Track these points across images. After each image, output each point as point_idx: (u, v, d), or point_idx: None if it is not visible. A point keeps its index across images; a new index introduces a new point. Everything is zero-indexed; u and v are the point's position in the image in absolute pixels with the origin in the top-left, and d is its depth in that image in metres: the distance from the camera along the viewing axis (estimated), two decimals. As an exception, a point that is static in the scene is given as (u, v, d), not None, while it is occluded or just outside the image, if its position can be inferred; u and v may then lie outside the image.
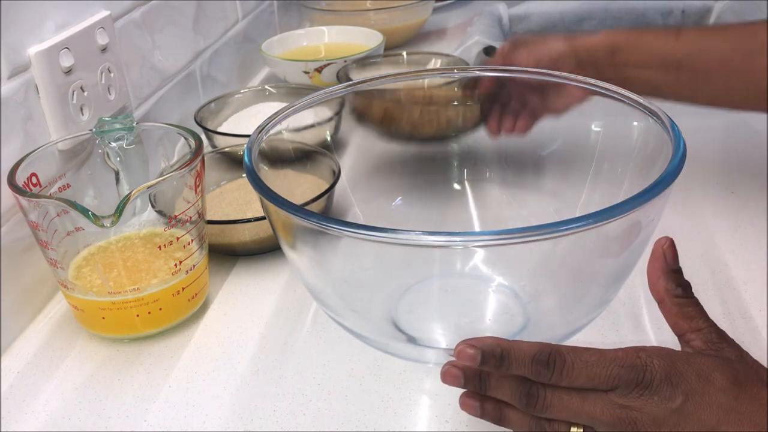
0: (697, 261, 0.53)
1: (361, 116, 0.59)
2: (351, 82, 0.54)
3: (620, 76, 0.55)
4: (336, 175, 0.55)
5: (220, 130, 0.71)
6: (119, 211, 0.43)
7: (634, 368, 0.33)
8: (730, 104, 0.56)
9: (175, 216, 0.47)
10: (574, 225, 0.35)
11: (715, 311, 0.48)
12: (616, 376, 0.33)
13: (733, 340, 0.35)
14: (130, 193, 0.43)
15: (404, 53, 0.84)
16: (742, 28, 0.54)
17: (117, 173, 0.51)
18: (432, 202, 0.57)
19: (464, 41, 0.95)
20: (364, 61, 0.83)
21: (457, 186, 0.58)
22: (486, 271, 0.49)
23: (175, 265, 0.48)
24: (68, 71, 0.53)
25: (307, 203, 0.52)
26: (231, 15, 0.88)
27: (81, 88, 0.54)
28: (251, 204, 0.59)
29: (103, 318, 0.47)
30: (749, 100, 0.54)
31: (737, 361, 0.34)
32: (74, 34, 0.53)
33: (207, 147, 0.70)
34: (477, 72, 0.58)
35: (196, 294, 0.50)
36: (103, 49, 0.57)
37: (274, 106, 0.72)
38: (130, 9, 0.64)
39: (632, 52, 0.55)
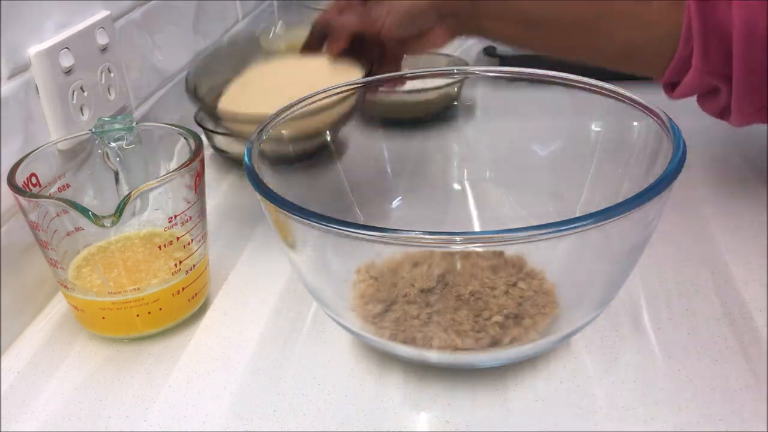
0: (697, 261, 0.53)
1: None
2: (351, 82, 0.54)
3: (478, 26, 0.58)
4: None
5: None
6: (119, 211, 0.43)
7: None
8: (579, 60, 0.56)
9: (175, 216, 0.47)
10: (574, 225, 0.35)
11: (715, 311, 0.48)
12: None
13: None
14: (130, 193, 0.43)
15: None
16: None
17: (117, 173, 0.51)
18: (432, 202, 0.57)
19: (464, 41, 0.95)
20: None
21: (457, 186, 0.58)
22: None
23: (175, 265, 0.48)
24: (68, 71, 0.53)
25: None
26: (231, 15, 0.88)
27: (81, 88, 0.54)
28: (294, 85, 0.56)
29: (103, 318, 0.47)
30: (600, 60, 0.56)
31: None
32: (74, 34, 0.53)
33: (207, 147, 0.70)
34: (477, 72, 0.58)
35: (196, 294, 0.50)
36: (103, 49, 0.57)
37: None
38: (130, 9, 0.64)
39: (491, 7, 0.57)
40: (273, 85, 0.59)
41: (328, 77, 0.57)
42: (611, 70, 0.56)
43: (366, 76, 0.57)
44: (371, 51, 0.59)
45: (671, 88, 0.53)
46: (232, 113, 0.56)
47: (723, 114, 0.53)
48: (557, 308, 0.43)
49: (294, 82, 0.58)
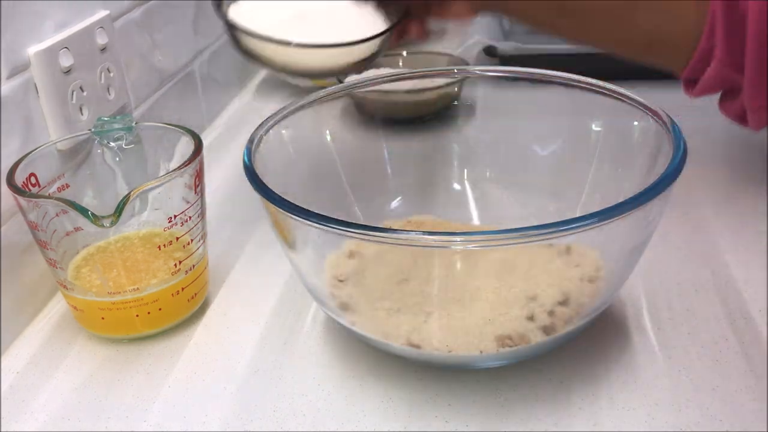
0: (697, 261, 0.53)
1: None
2: (351, 83, 0.54)
3: (506, 7, 0.58)
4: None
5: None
6: (119, 211, 0.42)
7: None
8: (610, 49, 0.57)
9: (175, 216, 0.47)
10: (574, 225, 0.35)
11: (715, 311, 0.48)
12: None
13: None
14: (129, 193, 0.43)
15: (404, 52, 0.83)
16: None
17: (116, 173, 0.51)
18: (432, 202, 0.57)
19: (464, 41, 0.95)
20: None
21: (457, 186, 0.58)
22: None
23: (175, 265, 0.48)
24: (67, 71, 0.53)
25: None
26: (231, 15, 0.88)
27: (80, 87, 0.54)
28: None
29: (103, 318, 0.47)
30: (626, 50, 0.56)
31: None
32: (73, 33, 0.53)
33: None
34: (477, 72, 0.58)
35: (195, 294, 0.50)
36: (103, 49, 0.57)
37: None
38: (130, 9, 0.64)
39: None
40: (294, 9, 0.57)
41: (347, 16, 0.56)
42: (611, 71, 0.56)
43: (392, 25, 0.56)
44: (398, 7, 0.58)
45: (691, 85, 0.54)
46: (244, 27, 0.52)
47: (742, 118, 0.53)
48: None
49: (317, 11, 0.56)
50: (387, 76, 0.56)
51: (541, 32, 0.60)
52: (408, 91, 0.69)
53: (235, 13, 0.55)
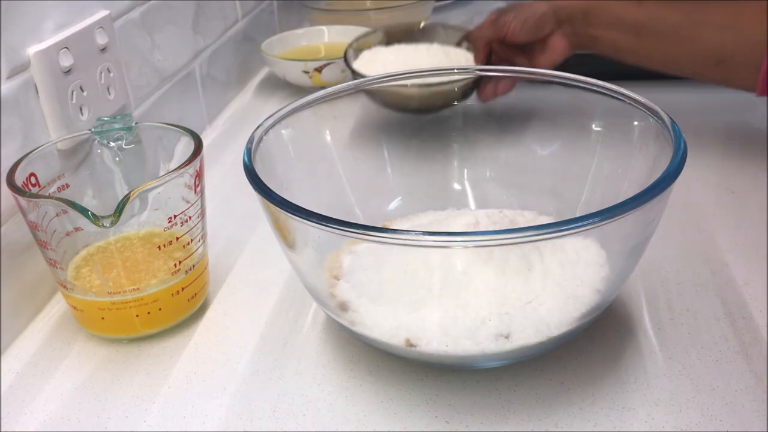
0: (697, 261, 0.53)
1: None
2: (353, 81, 0.54)
3: (590, 36, 0.66)
4: None
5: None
6: (119, 211, 0.42)
7: None
8: (679, 71, 0.64)
9: (175, 216, 0.47)
10: (574, 225, 0.35)
11: (715, 311, 0.48)
12: None
13: None
14: (129, 193, 0.43)
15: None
16: (695, 1, 0.62)
17: (116, 173, 0.51)
18: (432, 202, 0.57)
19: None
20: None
21: (457, 186, 0.58)
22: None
23: (175, 265, 0.48)
24: (67, 71, 0.53)
25: None
26: (230, 14, 0.88)
27: (80, 87, 0.54)
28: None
29: (103, 318, 0.47)
30: (695, 69, 0.63)
31: None
32: (73, 33, 0.53)
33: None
34: (477, 71, 0.58)
35: (195, 294, 0.50)
36: (103, 49, 0.57)
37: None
38: (130, 9, 0.64)
39: (601, 15, 0.65)
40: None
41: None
42: (611, 71, 0.56)
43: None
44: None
45: None
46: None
47: None
48: None
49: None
50: (389, 75, 0.56)
51: (624, 59, 0.65)
52: (420, 86, 0.68)
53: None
